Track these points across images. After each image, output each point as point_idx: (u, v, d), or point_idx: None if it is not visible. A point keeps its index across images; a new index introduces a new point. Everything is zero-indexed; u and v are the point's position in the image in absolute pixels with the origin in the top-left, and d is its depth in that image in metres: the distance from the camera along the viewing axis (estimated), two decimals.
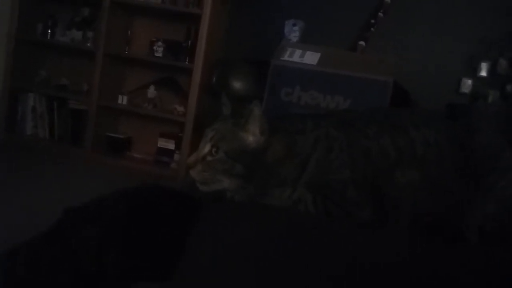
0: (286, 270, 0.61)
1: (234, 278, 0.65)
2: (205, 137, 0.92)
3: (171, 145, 3.08)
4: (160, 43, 2.99)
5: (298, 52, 2.42)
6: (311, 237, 0.69)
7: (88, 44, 3.09)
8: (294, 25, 2.77)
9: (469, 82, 2.71)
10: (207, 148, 0.90)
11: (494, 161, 0.87)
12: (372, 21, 2.69)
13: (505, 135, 0.94)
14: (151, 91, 3.08)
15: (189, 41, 2.97)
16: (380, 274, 0.60)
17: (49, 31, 3.16)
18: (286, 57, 2.41)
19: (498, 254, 0.69)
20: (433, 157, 0.87)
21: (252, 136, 0.89)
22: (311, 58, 2.37)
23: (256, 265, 0.64)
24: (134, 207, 1.35)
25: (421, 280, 0.59)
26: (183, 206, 1.38)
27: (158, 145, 3.11)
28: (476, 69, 2.70)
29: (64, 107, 3.19)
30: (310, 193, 0.87)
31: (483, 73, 2.68)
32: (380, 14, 2.67)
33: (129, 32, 3.16)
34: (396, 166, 0.87)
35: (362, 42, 2.63)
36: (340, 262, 0.61)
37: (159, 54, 3.00)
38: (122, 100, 3.06)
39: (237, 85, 2.66)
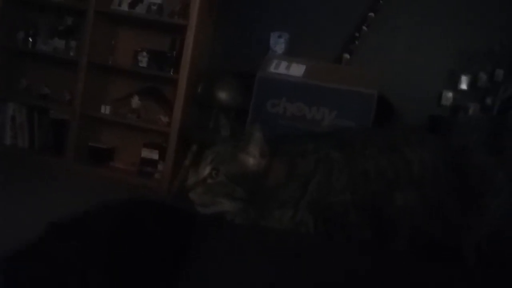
0: None
1: None
2: (205, 159, 0.91)
3: (155, 155, 3.05)
4: (144, 53, 2.97)
5: (284, 64, 2.43)
6: (312, 261, 0.68)
7: (71, 53, 3.05)
8: (279, 37, 2.79)
9: (450, 94, 2.77)
10: (207, 170, 0.89)
11: (488, 181, 0.89)
12: (356, 34, 2.73)
13: (488, 148, 0.97)
14: (135, 101, 3.05)
15: (174, 52, 2.96)
16: None
17: (30, 39, 3.11)
18: (272, 69, 2.42)
19: (494, 276, 0.69)
20: (430, 178, 0.88)
21: (252, 158, 0.88)
22: (296, 70, 2.39)
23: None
24: (120, 222, 1.33)
25: None
26: (174, 221, 1.37)
27: (142, 155, 3.07)
28: (457, 82, 2.76)
29: (45, 117, 3.13)
30: (312, 215, 0.87)
31: (464, 86, 2.74)
32: (364, 27, 2.72)
33: (113, 41, 3.14)
34: (394, 188, 0.87)
35: (346, 55, 2.67)
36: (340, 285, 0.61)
37: (144, 64, 2.98)
38: (105, 110, 3.02)
39: (222, 96, 2.66)
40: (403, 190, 0.87)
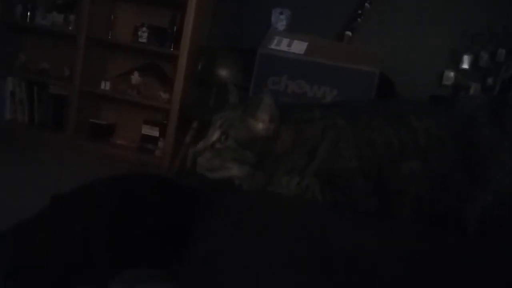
0: (291, 262, 0.62)
1: (238, 268, 0.66)
2: (214, 124, 0.91)
3: (155, 132, 3.05)
4: (144, 29, 2.94)
5: (285, 41, 2.41)
6: (318, 228, 0.70)
7: (70, 28, 3.02)
8: (281, 13, 2.76)
9: (452, 74, 2.76)
10: (216, 135, 0.90)
11: (493, 153, 0.90)
12: (359, 11, 2.70)
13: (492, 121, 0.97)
14: (135, 77, 3.03)
15: (175, 28, 2.93)
16: (383, 264, 0.62)
17: (28, 13, 3.07)
18: (273, 46, 2.40)
19: (496, 245, 0.71)
20: (435, 148, 0.89)
21: (261, 123, 0.89)
22: (298, 47, 2.37)
23: (262, 259, 0.64)
24: (122, 195, 1.34)
25: (421, 270, 0.61)
26: (176, 196, 1.38)
27: (142, 132, 3.07)
28: (459, 62, 2.74)
29: (45, 92, 3.11)
30: (318, 182, 0.88)
31: (465, 66, 2.73)
32: (367, 4, 2.69)
33: (112, 16, 3.10)
34: (400, 157, 0.89)
35: (348, 32, 2.64)
36: (343, 253, 0.63)
37: (144, 40, 2.95)
38: (105, 86, 3.01)
39: (223, 73, 2.64)
40: (408, 160, 0.88)
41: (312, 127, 0.91)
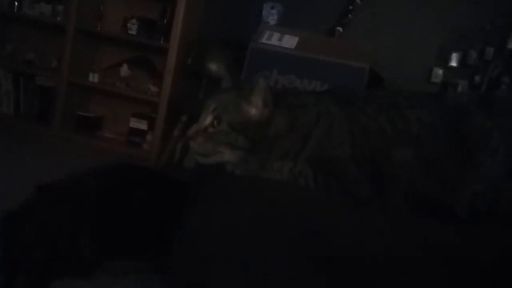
0: (283, 252, 0.61)
1: (226, 260, 0.65)
2: (207, 108, 0.90)
3: (143, 126, 3.03)
4: (134, 21, 2.91)
5: (276, 35, 2.41)
6: (310, 215, 0.69)
7: (58, 19, 2.97)
8: (272, 8, 2.75)
9: (440, 71, 2.78)
10: (209, 119, 0.89)
11: (484, 141, 0.91)
12: (350, 7, 2.70)
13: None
14: (124, 70, 3.00)
15: (165, 20, 2.90)
16: (376, 251, 0.62)
17: (16, 3, 3.01)
18: (264, 40, 2.39)
19: (485, 230, 0.72)
20: (427, 136, 0.90)
21: (255, 108, 0.88)
22: (289, 42, 2.37)
23: (252, 249, 0.63)
24: (110, 187, 1.33)
25: (412, 255, 0.61)
26: (163, 187, 1.37)
27: (130, 125, 3.05)
28: (447, 59, 2.77)
29: (31, 83, 3.07)
30: (311, 168, 0.88)
31: (454, 63, 2.76)
32: (358, 0, 2.69)
33: (101, 7, 3.06)
34: (393, 144, 0.89)
35: (339, 28, 2.65)
36: (338, 242, 0.62)
37: (133, 32, 2.92)
38: (94, 78, 2.97)
39: (213, 67, 2.63)
40: (401, 147, 0.89)
41: (306, 113, 0.91)
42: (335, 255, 0.58)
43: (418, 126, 0.90)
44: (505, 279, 0.57)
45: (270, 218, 0.68)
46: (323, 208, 0.74)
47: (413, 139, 0.89)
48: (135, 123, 3.04)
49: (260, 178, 0.87)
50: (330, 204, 0.78)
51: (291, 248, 0.61)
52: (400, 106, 0.92)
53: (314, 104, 0.92)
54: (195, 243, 0.75)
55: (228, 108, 0.88)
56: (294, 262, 0.58)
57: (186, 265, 0.75)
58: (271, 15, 2.78)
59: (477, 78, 2.68)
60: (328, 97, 0.95)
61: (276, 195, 0.79)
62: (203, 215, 0.78)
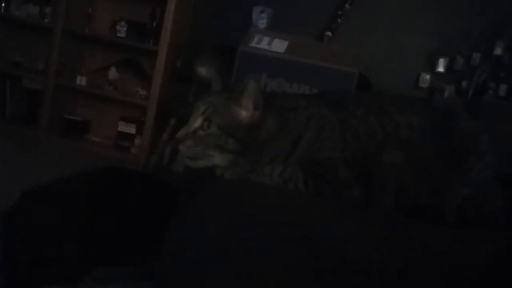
0: (273, 256, 0.61)
1: (215, 265, 0.64)
2: (197, 110, 0.89)
3: (132, 129, 3.00)
4: (123, 23, 2.89)
5: (266, 39, 2.42)
6: (302, 221, 0.69)
7: (46, 20, 2.94)
8: (262, 12, 2.75)
9: (427, 77, 2.81)
10: (198, 121, 0.88)
11: (472, 145, 0.92)
12: (339, 12, 2.72)
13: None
14: (113, 73, 2.98)
15: (154, 23, 2.89)
16: (365, 255, 0.62)
17: (2, 4, 2.97)
18: (253, 44, 2.40)
19: (473, 234, 0.72)
20: (417, 140, 0.90)
21: (245, 111, 0.88)
22: (279, 46, 2.38)
23: (242, 255, 0.63)
24: (98, 191, 1.31)
25: (401, 260, 0.61)
26: (152, 191, 1.36)
27: (119, 129, 3.02)
28: (434, 65, 2.80)
29: (18, 86, 3.02)
30: (302, 171, 0.88)
31: (441, 69, 2.79)
32: (347, 5, 2.71)
33: (90, 9, 3.03)
34: (383, 148, 0.89)
35: (328, 33, 2.66)
36: (328, 246, 0.62)
37: (122, 35, 2.90)
38: (81, 80, 2.94)
39: (203, 70, 2.62)
40: (391, 151, 0.89)
41: (296, 116, 0.91)
42: (327, 260, 0.58)
43: (408, 130, 0.91)
44: (499, 282, 0.57)
45: (260, 224, 0.67)
46: (314, 214, 0.74)
47: (403, 143, 0.90)
48: (123, 127, 3.01)
49: (250, 182, 0.86)
50: (321, 208, 0.78)
51: (284, 255, 0.60)
52: (390, 110, 0.93)
53: (304, 107, 0.92)
54: (185, 250, 0.74)
55: (218, 110, 0.87)
56: (288, 269, 0.57)
57: (176, 272, 0.74)
58: (260, 19, 2.78)
59: (464, 84, 2.71)
60: (318, 100, 0.94)
61: (266, 200, 0.79)
62: (193, 222, 0.78)
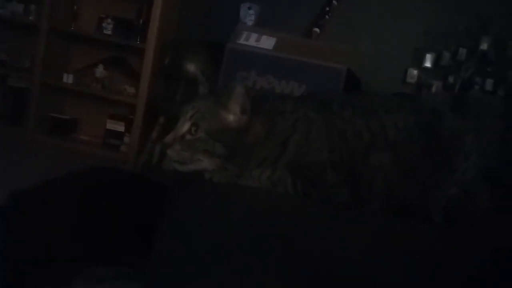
0: (262, 257, 0.61)
1: (206, 265, 0.65)
2: (184, 114, 0.89)
3: (120, 128, 2.98)
4: (109, 20, 2.87)
5: (254, 36, 2.41)
6: (290, 224, 0.69)
7: (31, 18, 2.90)
8: (249, 8, 2.75)
9: (415, 72, 2.83)
10: (186, 126, 0.88)
11: (458, 145, 0.93)
12: (327, 8, 2.72)
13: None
14: (100, 71, 2.95)
15: (141, 20, 2.86)
16: (354, 256, 0.62)
17: None
18: (242, 41, 2.39)
19: (458, 234, 0.73)
20: (403, 140, 0.91)
21: (233, 115, 0.88)
22: (267, 42, 2.37)
23: (231, 255, 0.63)
24: (87, 191, 1.31)
25: (386, 260, 0.62)
26: (142, 190, 1.35)
27: (107, 127, 2.99)
28: (422, 60, 2.82)
29: (3, 84, 2.98)
30: (290, 174, 0.88)
31: (428, 64, 2.81)
32: (334, 2, 2.71)
33: (75, 6, 2.99)
34: (370, 149, 0.90)
35: (316, 29, 2.67)
36: (315, 247, 0.63)
37: (109, 32, 2.87)
38: (68, 78, 2.91)
39: (191, 68, 2.61)
40: (378, 152, 0.90)
41: (284, 119, 0.91)
42: (312, 262, 0.59)
43: (395, 131, 0.91)
44: (483, 282, 0.58)
45: (248, 225, 0.68)
46: (301, 215, 0.74)
47: (390, 143, 0.91)
48: (112, 125, 2.99)
49: (238, 187, 0.87)
50: (309, 211, 0.78)
51: (270, 256, 0.60)
52: (376, 111, 0.93)
53: (291, 110, 0.93)
54: (177, 249, 0.74)
55: (206, 115, 0.88)
56: (274, 271, 0.58)
57: (167, 272, 0.74)
58: (248, 16, 2.78)
59: (450, 79, 2.74)
60: (306, 103, 0.95)
61: (255, 201, 0.79)
62: (183, 223, 0.78)
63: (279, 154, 0.89)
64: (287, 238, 0.65)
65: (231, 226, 0.69)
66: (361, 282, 0.57)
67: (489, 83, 2.67)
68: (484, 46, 2.66)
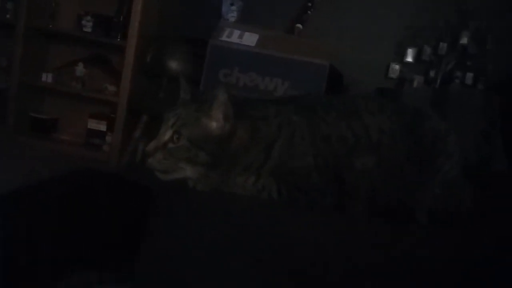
0: (247, 262, 0.61)
1: (193, 269, 0.64)
2: (166, 122, 0.87)
3: (102, 127, 2.94)
4: (89, 18, 2.81)
5: (236, 32, 2.39)
6: (275, 228, 0.69)
7: (7, 16, 2.83)
8: (232, 4, 2.73)
9: (397, 67, 2.86)
10: (168, 134, 0.86)
11: (441, 145, 0.94)
12: (309, 4, 2.72)
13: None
14: (80, 69, 2.90)
15: (121, 17, 2.81)
16: (339, 260, 0.62)
17: None
18: (224, 37, 2.38)
19: (443, 235, 0.74)
20: (387, 143, 0.92)
21: (216, 122, 0.86)
22: (249, 39, 2.36)
23: (218, 260, 0.63)
24: (69, 194, 1.28)
25: (375, 262, 0.62)
26: (126, 193, 1.33)
27: (88, 127, 2.95)
28: (403, 55, 2.85)
29: None
30: (275, 180, 0.88)
31: (409, 59, 2.84)
32: None
33: (53, 4, 2.93)
34: (354, 152, 0.90)
35: (299, 25, 2.66)
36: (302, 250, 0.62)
37: (88, 29, 2.82)
38: (47, 77, 2.85)
39: (173, 65, 2.58)
40: (362, 155, 0.90)
41: (267, 125, 0.90)
42: (295, 266, 0.58)
43: (378, 134, 0.92)
44: (471, 282, 0.59)
45: (233, 232, 0.67)
46: (284, 222, 0.74)
47: (374, 146, 0.91)
48: (93, 124, 2.94)
49: (223, 193, 0.86)
50: (294, 217, 0.78)
51: (256, 261, 0.60)
52: (360, 114, 0.94)
53: (275, 115, 0.92)
54: (162, 256, 0.73)
55: (188, 122, 0.86)
56: (260, 275, 0.57)
57: (154, 278, 0.73)
58: (230, 12, 2.76)
59: (431, 73, 2.77)
60: (289, 107, 0.94)
61: (239, 205, 0.79)
62: (168, 228, 0.77)
63: (264, 160, 0.88)
64: (268, 242, 0.65)
65: (219, 232, 0.68)
66: (344, 284, 0.57)
67: (469, 77, 2.71)
68: (464, 40, 2.70)
